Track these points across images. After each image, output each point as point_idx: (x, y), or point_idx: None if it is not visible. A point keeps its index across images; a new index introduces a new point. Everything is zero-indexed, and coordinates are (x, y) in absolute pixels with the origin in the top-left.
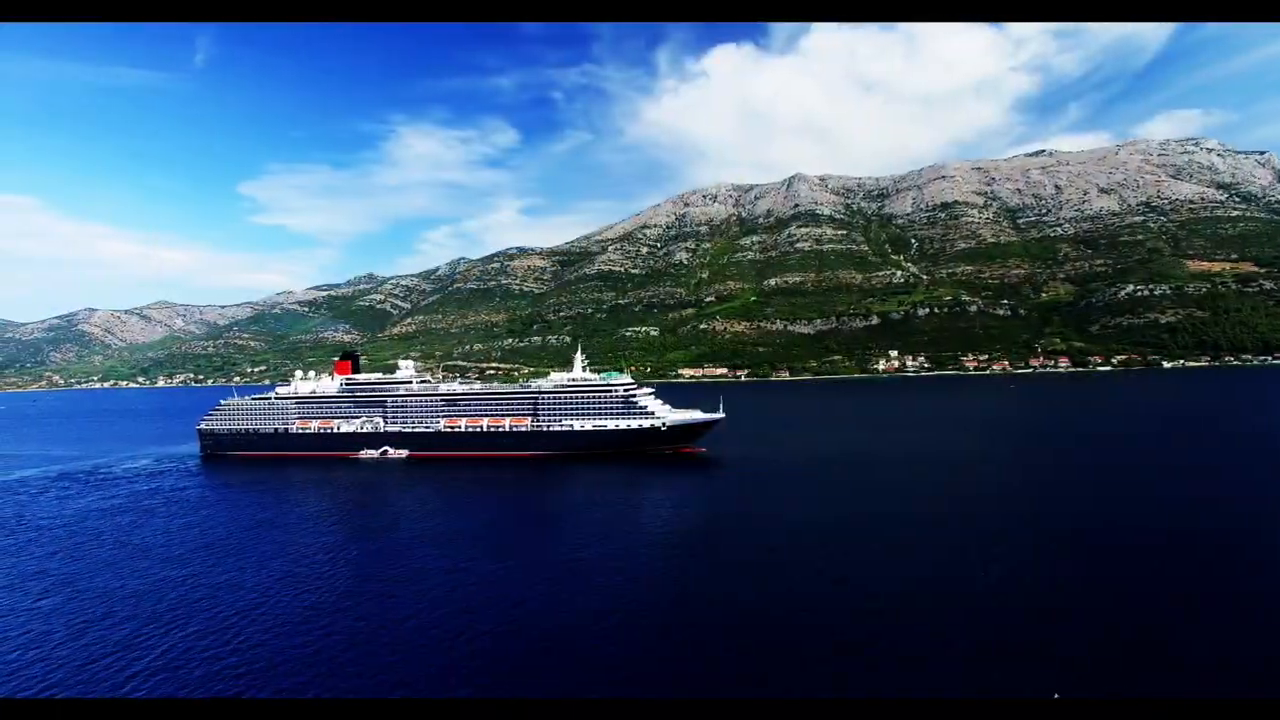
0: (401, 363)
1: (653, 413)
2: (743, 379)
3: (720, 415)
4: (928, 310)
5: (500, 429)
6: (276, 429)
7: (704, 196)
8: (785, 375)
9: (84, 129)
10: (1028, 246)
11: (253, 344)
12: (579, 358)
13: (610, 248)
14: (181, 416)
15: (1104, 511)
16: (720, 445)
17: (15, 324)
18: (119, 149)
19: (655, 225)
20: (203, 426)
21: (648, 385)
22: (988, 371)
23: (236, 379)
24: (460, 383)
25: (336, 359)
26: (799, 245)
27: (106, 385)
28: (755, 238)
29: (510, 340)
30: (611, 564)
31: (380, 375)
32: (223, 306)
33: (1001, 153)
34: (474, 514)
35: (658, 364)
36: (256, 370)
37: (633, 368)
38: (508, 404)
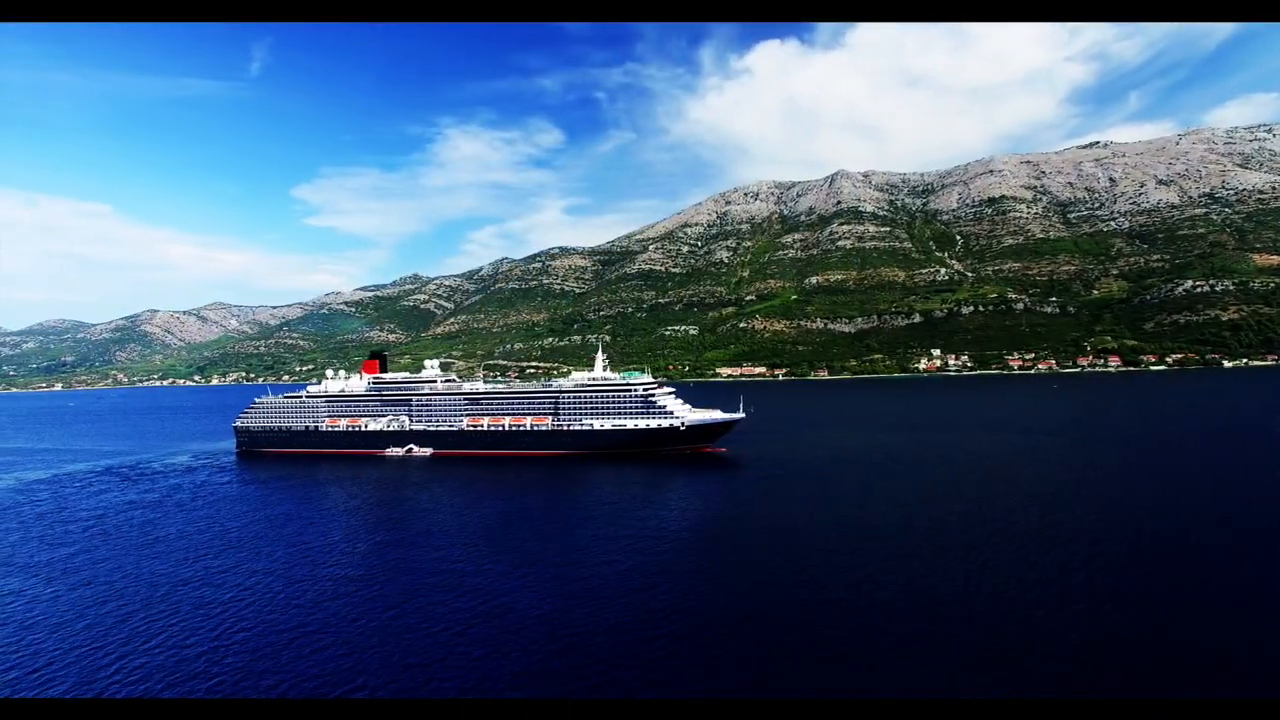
0: (428, 362)
1: (671, 412)
2: (780, 378)
3: (740, 415)
4: (972, 308)
5: (522, 428)
6: (307, 427)
7: (745, 194)
8: (824, 374)
9: (153, 138)
10: (1079, 242)
11: (302, 343)
12: (600, 357)
13: (651, 247)
14: (226, 413)
15: (1146, 515)
16: (742, 445)
17: (87, 325)
18: (184, 156)
19: (696, 224)
20: (239, 424)
21: (685, 384)
22: (1033, 371)
23: (285, 377)
24: (485, 382)
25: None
26: (841, 243)
27: (165, 383)
28: (797, 235)
29: (550, 339)
30: (607, 566)
31: (406, 375)
32: (274, 307)
33: (1052, 146)
34: (487, 514)
35: (696, 363)
36: (304, 369)
37: (670, 367)
38: (529, 403)
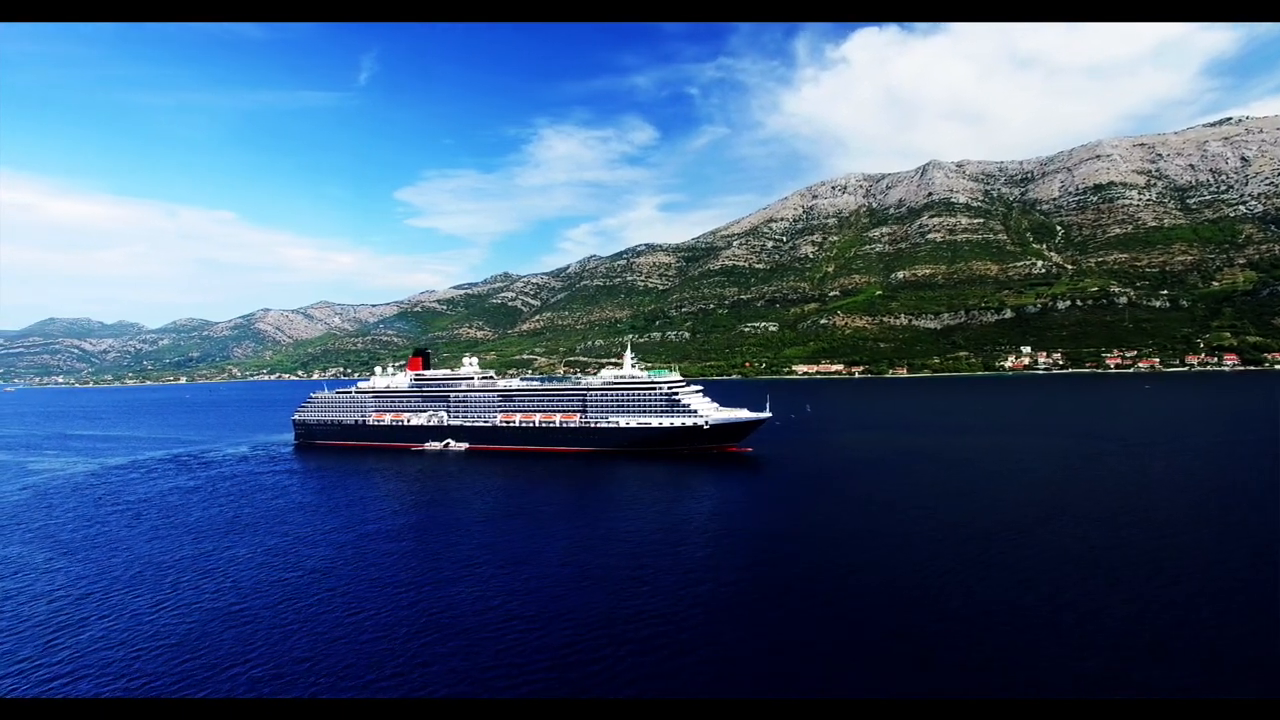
0: (465, 359)
1: (695, 411)
2: (856, 376)
3: (767, 415)
4: (1069, 302)
5: (552, 424)
6: (356, 421)
7: (833, 188)
8: (902, 372)
9: (273, 147)
10: (1198, 229)
11: (396, 340)
12: (629, 355)
13: (735, 243)
14: None
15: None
16: (774, 445)
17: (211, 323)
18: (299, 163)
19: (782, 219)
20: (296, 417)
21: (757, 382)
22: (1132, 370)
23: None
24: (521, 379)
25: (410, 355)
26: (930, 236)
27: (272, 377)
28: (885, 229)
29: (631, 336)
30: (596, 569)
31: (447, 372)
32: (373, 305)
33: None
34: (510, 511)
35: (774, 360)
36: (397, 365)
37: (747, 364)
38: (558, 400)
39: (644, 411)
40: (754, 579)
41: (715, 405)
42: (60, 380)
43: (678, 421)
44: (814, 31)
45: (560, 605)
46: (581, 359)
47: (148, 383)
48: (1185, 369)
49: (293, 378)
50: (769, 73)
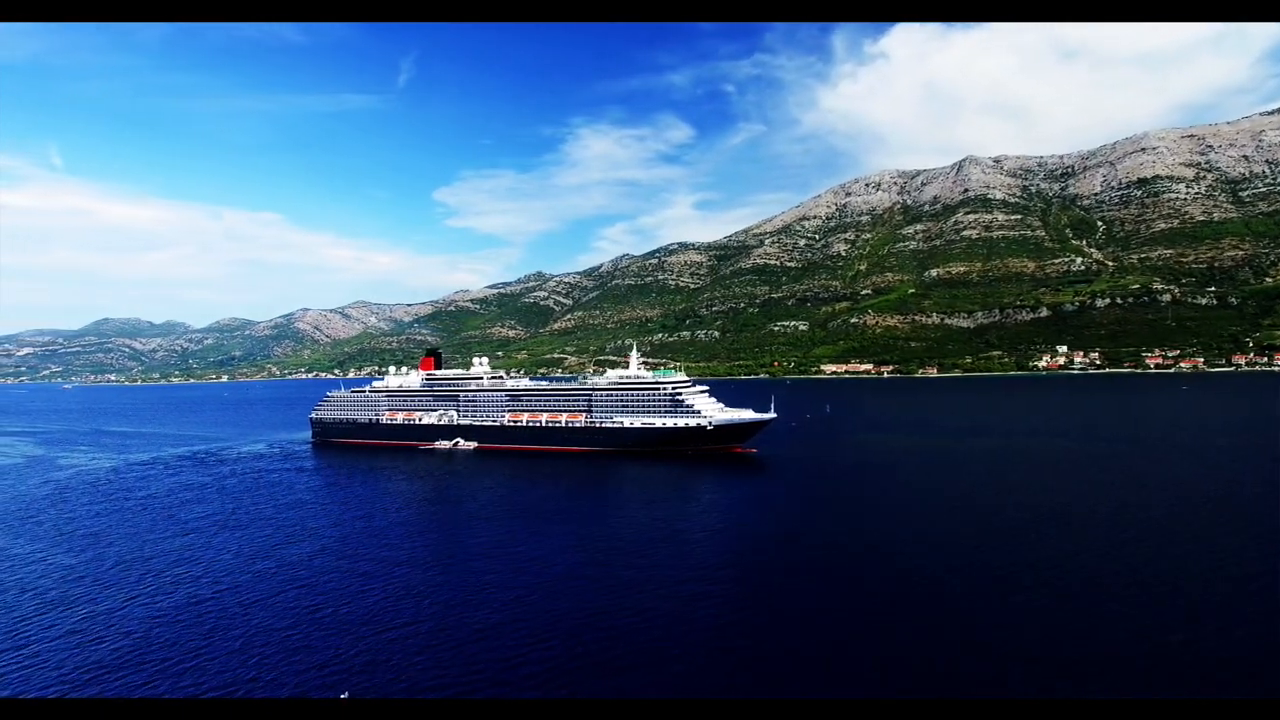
0: (476, 359)
1: (699, 411)
2: (885, 376)
3: (771, 416)
4: (1108, 300)
5: (558, 424)
6: (370, 419)
7: (866, 185)
8: (932, 372)
9: (315, 150)
10: (1251, 223)
11: (430, 339)
12: (635, 355)
13: (767, 241)
14: None
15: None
16: (782, 446)
17: (253, 323)
18: (341, 166)
19: (815, 216)
20: (314, 415)
21: (783, 381)
22: (1173, 370)
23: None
24: (531, 379)
25: (423, 354)
26: (966, 233)
27: (309, 376)
28: (919, 226)
29: (660, 335)
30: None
31: (458, 372)
32: (409, 305)
33: (1238, 114)
34: (511, 512)
35: (802, 359)
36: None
37: (775, 364)
38: (565, 400)
39: (648, 412)
40: (727, 581)
41: (720, 406)
42: (112, 378)
43: (681, 422)
44: (852, 27)
45: (546, 607)
46: (611, 358)
47: (190, 381)
48: (1231, 369)
49: (329, 376)
50: (806, 69)
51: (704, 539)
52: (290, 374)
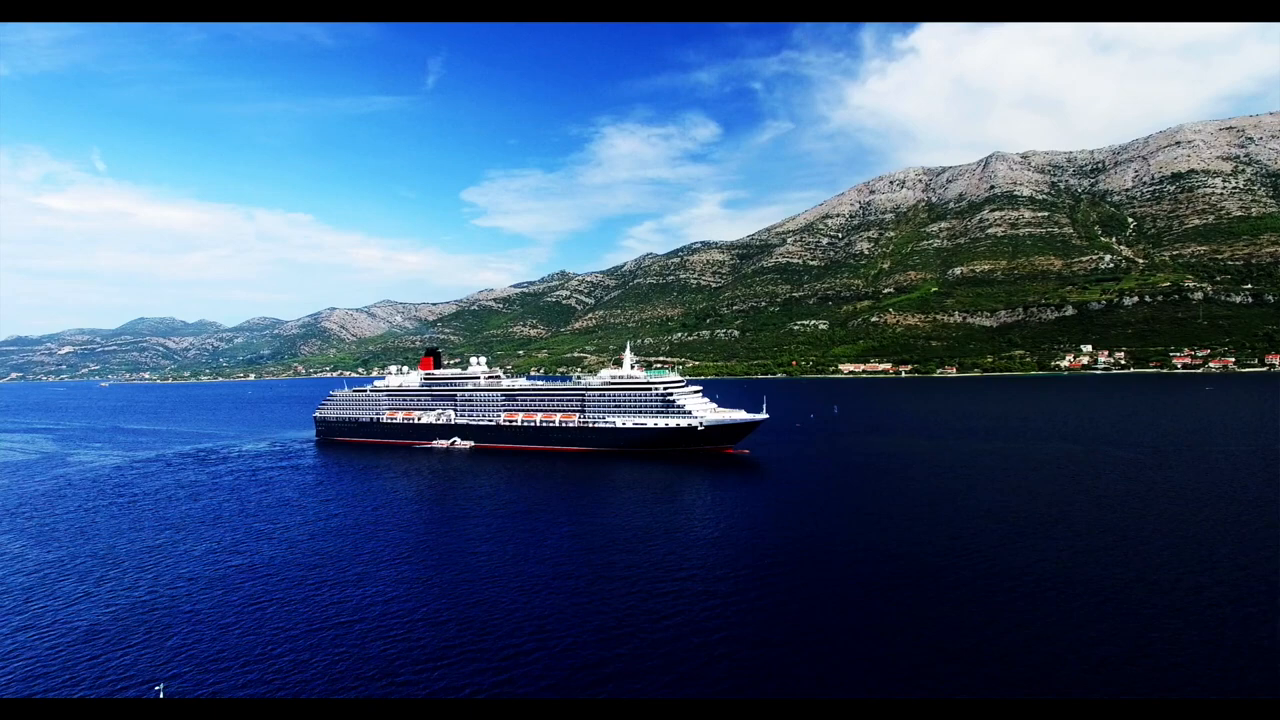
0: (473, 359)
1: (690, 412)
2: (903, 375)
3: (763, 416)
4: (1136, 299)
5: (552, 424)
6: (371, 418)
7: (890, 182)
8: (952, 372)
9: (346, 151)
10: None
11: (453, 338)
12: (628, 355)
13: (789, 239)
14: None
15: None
16: (776, 448)
17: (281, 322)
18: (370, 166)
19: (838, 214)
20: (318, 414)
21: (800, 381)
22: (1201, 370)
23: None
24: (526, 379)
25: (424, 354)
26: (991, 230)
27: (335, 374)
28: (943, 224)
29: (680, 334)
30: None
31: (455, 372)
32: (433, 304)
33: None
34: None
35: (821, 359)
36: (450, 362)
37: (794, 363)
38: (559, 400)
39: (639, 412)
40: (699, 582)
41: (713, 406)
42: (147, 376)
43: (673, 422)
44: (881, 24)
45: (528, 608)
46: (631, 357)
47: (219, 379)
48: (1265, 369)
49: (353, 375)
50: (834, 65)
51: (686, 541)
52: (316, 372)
